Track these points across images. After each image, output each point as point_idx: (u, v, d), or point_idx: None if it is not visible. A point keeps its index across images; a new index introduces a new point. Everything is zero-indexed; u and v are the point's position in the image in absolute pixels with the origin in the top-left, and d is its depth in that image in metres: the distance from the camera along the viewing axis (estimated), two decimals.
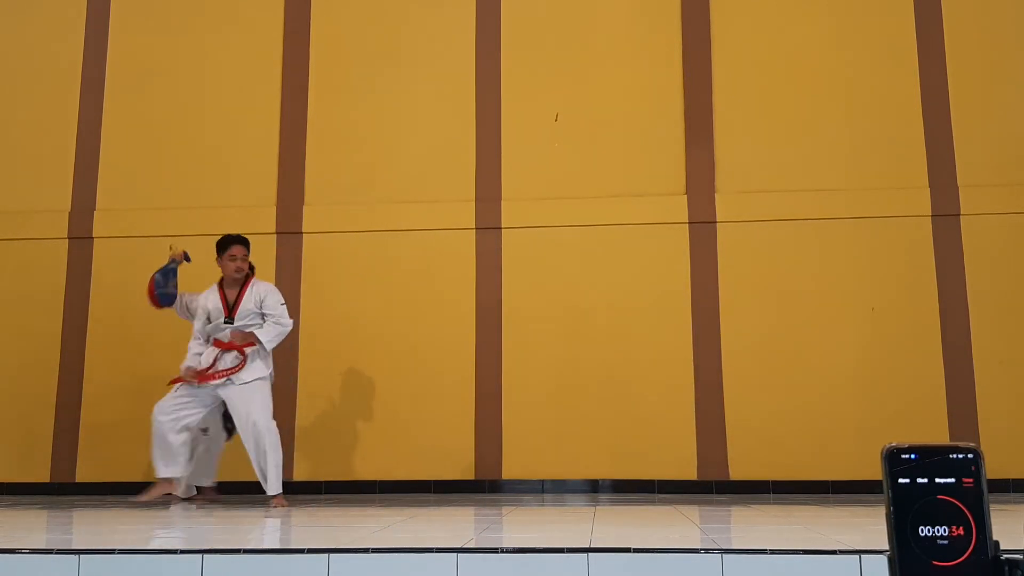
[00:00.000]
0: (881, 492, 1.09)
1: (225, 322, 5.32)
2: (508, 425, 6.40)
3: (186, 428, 5.31)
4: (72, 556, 2.36)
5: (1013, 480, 5.86)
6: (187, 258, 5.62)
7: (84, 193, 6.97)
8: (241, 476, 6.60)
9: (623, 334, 6.45)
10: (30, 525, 3.80)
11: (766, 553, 2.29)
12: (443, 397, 6.46)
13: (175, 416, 5.27)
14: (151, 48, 7.15)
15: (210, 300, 5.39)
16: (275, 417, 6.69)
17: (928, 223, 6.40)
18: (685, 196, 6.59)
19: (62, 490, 6.49)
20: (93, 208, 6.94)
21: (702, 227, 6.53)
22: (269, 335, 5.27)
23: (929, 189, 6.43)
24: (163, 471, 5.27)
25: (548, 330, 6.50)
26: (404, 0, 7.09)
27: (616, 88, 6.80)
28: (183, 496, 5.36)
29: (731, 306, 6.42)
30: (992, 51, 6.58)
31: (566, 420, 6.39)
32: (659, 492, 6.15)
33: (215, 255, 5.48)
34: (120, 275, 6.82)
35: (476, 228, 6.67)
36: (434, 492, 6.20)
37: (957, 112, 6.51)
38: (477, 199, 6.72)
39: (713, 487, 6.14)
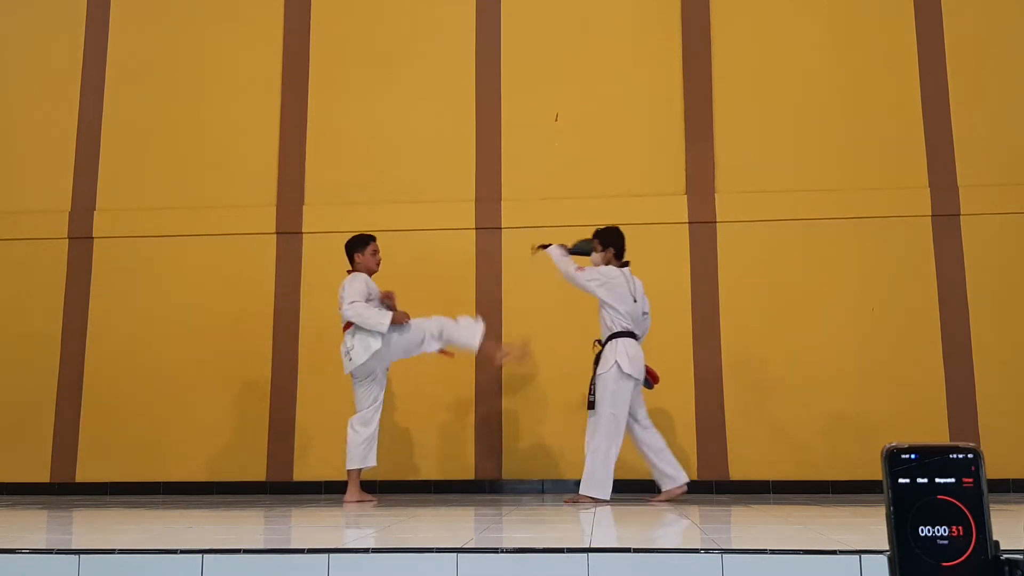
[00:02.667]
0: (881, 492, 1.09)
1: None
2: (508, 425, 6.40)
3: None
4: (72, 556, 2.36)
5: (1013, 480, 5.86)
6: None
7: (84, 193, 6.97)
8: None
9: None
10: (30, 525, 3.80)
11: (766, 553, 2.29)
12: (443, 396, 6.46)
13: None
14: (151, 48, 7.16)
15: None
16: (275, 416, 6.70)
17: (928, 223, 6.41)
18: (685, 196, 6.59)
19: (62, 490, 6.49)
20: (93, 208, 6.94)
21: (702, 227, 6.53)
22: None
23: (929, 189, 6.43)
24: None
25: (548, 330, 6.49)
26: (404, 0, 7.09)
27: (616, 88, 6.80)
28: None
29: (731, 306, 6.42)
30: (992, 51, 6.59)
31: (566, 420, 6.39)
32: (658, 492, 6.13)
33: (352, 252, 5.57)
34: (120, 275, 6.82)
35: (476, 228, 6.67)
36: (434, 492, 6.20)
37: (957, 112, 6.51)
38: (477, 199, 6.72)
39: (713, 487, 6.14)
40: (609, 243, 5.46)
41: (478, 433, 6.41)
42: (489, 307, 6.56)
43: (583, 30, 6.92)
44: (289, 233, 6.79)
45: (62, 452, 6.60)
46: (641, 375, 5.27)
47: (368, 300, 5.41)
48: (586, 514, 4.03)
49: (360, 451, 5.40)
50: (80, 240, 6.90)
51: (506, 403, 6.43)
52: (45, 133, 7.09)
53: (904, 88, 6.59)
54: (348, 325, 5.47)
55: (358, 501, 5.29)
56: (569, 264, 5.40)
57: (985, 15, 6.63)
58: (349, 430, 5.47)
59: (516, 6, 6.96)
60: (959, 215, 6.39)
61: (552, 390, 6.43)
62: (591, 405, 5.31)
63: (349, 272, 5.58)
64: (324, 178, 6.86)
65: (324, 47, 7.04)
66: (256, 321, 6.68)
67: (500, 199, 6.70)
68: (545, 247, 5.55)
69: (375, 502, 5.25)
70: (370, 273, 5.55)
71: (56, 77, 7.16)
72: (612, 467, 5.14)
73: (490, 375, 6.49)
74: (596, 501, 5.07)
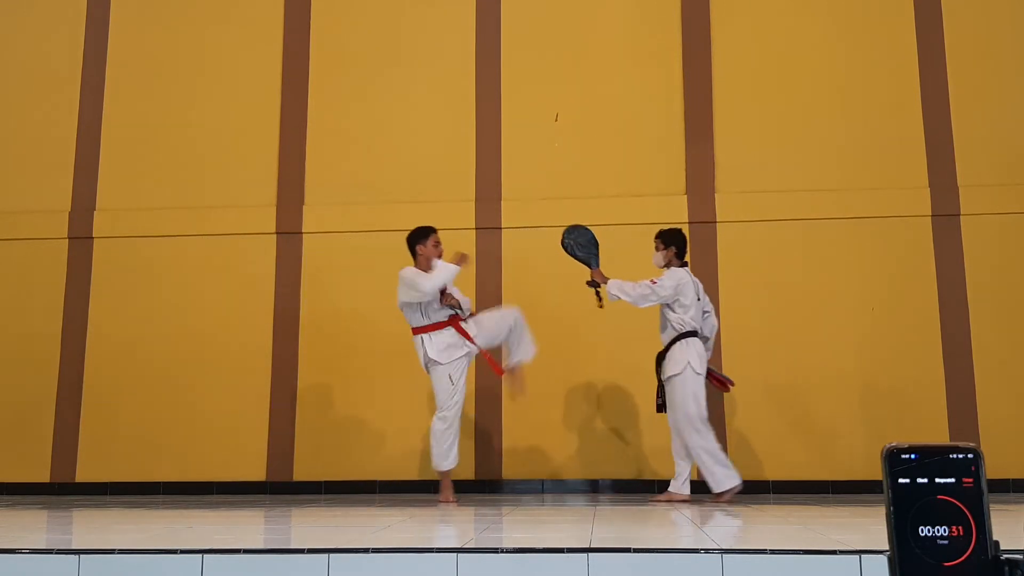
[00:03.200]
0: (881, 492, 1.09)
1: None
2: (508, 425, 6.40)
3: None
4: (72, 556, 2.36)
5: (1013, 480, 5.86)
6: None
7: (84, 193, 6.97)
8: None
9: (623, 334, 6.44)
10: (30, 525, 3.80)
11: (766, 553, 2.29)
12: None
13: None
14: (151, 48, 7.16)
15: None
16: (275, 416, 6.71)
17: (928, 223, 6.40)
18: (685, 196, 6.59)
19: (62, 490, 6.49)
20: (93, 208, 6.94)
21: (702, 227, 6.53)
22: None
23: (929, 189, 6.43)
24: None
25: (548, 330, 6.48)
26: (404, 0, 7.09)
27: (616, 88, 6.80)
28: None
29: (731, 306, 6.42)
30: (992, 51, 6.59)
31: (566, 420, 6.39)
32: (659, 492, 6.14)
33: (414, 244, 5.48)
34: (120, 275, 6.83)
35: (476, 228, 6.67)
36: (434, 492, 6.18)
37: (957, 112, 6.51)
38: (477, 199, 6.72)
39: None
40: (671, 242, 5.47)
41: (478, 433, 6.40)
42: (489, 307, 6.55)
43: (583, 30, 6.92)
44: (289, 233, 6.79)
45: (62, 452, 6.60)
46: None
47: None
48: (586, 514, 4.03)
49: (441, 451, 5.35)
50: (80, 240, 6.90)
51: (506, 403, 6.43)
52: (45, 133, 7.09)
53: (904, 88, 6.59)
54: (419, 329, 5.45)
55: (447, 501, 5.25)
56: (636, 288, 5.27)
57: (985, 15, 6.63)
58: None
59: (516, 6, 6.96)
60: (959, 215, 6.38)
61: (553, 390, 6.43)
62: (661, 407, 5.33)
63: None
64: (324, 178, 6.86)
65: (324, 47, 7.04)
66: (256, 321, 6.68)
67: (500, 199, 6.70)
68: (595, 286, 5.39)
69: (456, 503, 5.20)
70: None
71: (56, 77, 7.16)
72: (725, 456, 5.21)
73: (490, 375, 6.48)
74: (733, 493, 5.10)
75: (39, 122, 7.12)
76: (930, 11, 6.65)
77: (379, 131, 6.90)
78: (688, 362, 5.19)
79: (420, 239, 5.52)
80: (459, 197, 6.72)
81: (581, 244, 5.51)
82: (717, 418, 6.29)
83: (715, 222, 6.52)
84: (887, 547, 1.08)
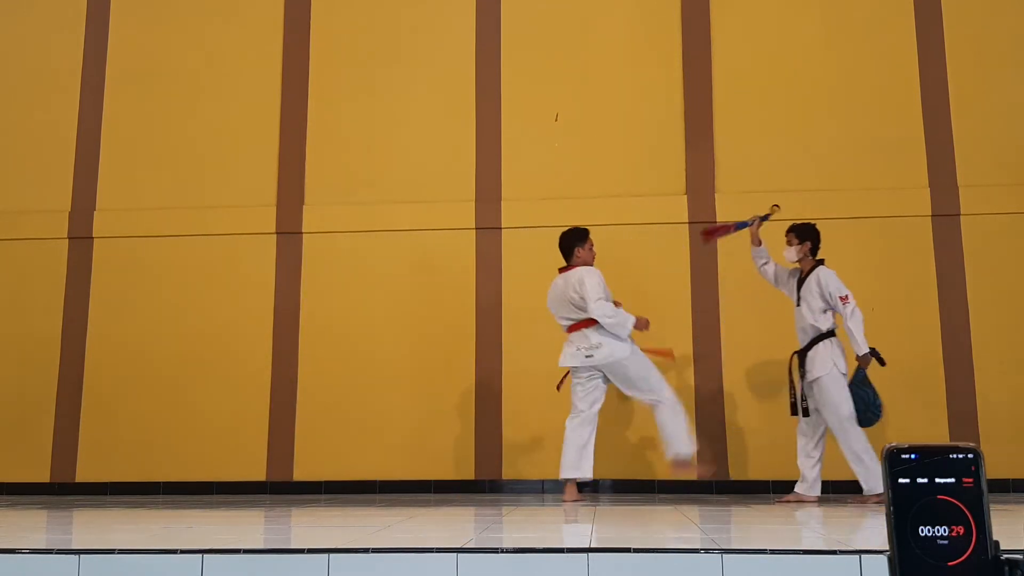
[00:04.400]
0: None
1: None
2: (508, 425, 6.40)
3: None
4: (72, 556, 2.36)
5: (1013, 480, 5.86)
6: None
7: (84, 193, 6.97)
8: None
9: None
10: (30, 525, 3.80)
11: (766, 553, 2.29)
12: (443, 396, 6.46)
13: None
14: (151, 48, 7.16)
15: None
16: (275, 416, 6.70)
17: (928, 223, 6.40)
18: (685, 196, 6.59)
19: (62, 490, 6.49)
20: (93, 208, 6.94)
21: (702, 227, 6.53)
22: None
23: (929, 189, 6.43)
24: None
25: (548, 330, 6.48)
26: (404, 0, 7.09)
27: (616, 88, 6.80)
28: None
29: (731, 306, 6.42)
30: (992, 51, 6.58)
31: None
32: (659, 492, 6.14)
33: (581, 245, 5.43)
34: (120, 275, 6.83)
35: (476, 228, 6.67)
36: (434, 492, 6.20)
37: (957, 112, 6.51)
38: (477, 199, 6.72)
39: (713, 487, 6.14)
40: (806, 237, 5.40)
41: (478, 433, 6.40)
42: (489, 307, 6.56)
43: (583, 30, 6.92)
44: (289, 233, 6.79)
45: (62, 452, 6.60)
46: None
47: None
48: (586, 514, 4.03)
49: (572, 458, 5.24)
50: (80, 240, 6.90)
51: (506, 403, 6.43)
52: (45, 133, 7.09)
53: (904, 88, 6.59)
54: (583, 323, 5.34)
55: (575, 500, 5.18)
56: (859, 318, 5.15)
57: (985, 15, 6.63)
58: (566, 432, 5.31)
59: (516, 6, 6.96)
60: (959, 215, 6.38)
61: (550, 390, 6.42)
62: (806, 411, 5.23)
63: (563, 269, 5.43)
64: (324, 178, 6.86)
65: (324, 47, 7.04)
66: (256, 321, 6.68)
67: (500, 199, 6.70)
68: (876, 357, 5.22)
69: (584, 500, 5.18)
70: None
71: (56, 77, 7.16)
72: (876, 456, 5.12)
73: (490, 375, 6.49)
74: (881, 498, 5.01)
75: (39, 122, 7.12)
76: (930, 11, 6.65)
77: (379, 131, 6.90)
78: (834, 362, 5.15)
79: (580, 241, 5.41)
80: (459, 197, 6.72)
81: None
82: (717, 417, 6.30)
83: (715, 222, 6.51)
84: (887, 547, 1.08)
